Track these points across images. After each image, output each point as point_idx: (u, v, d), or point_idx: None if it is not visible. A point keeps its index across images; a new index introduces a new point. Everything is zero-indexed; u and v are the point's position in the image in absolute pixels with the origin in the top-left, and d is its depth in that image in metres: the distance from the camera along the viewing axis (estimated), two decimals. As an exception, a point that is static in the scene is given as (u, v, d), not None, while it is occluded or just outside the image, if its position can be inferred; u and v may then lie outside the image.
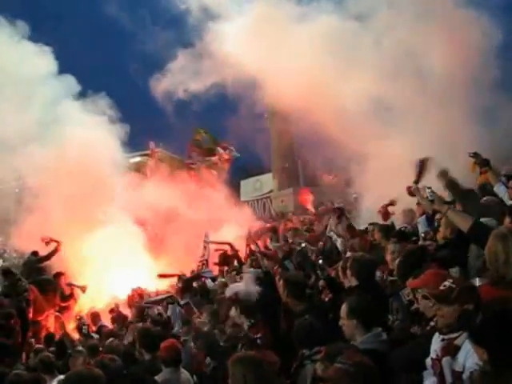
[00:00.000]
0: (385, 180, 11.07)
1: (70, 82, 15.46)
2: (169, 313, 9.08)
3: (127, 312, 11.21)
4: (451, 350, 3.45)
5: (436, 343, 3.64)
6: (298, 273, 7.64)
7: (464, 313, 3.44)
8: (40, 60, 15.04)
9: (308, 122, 13.84)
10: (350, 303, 4.43)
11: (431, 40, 12.26)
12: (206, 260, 13.58)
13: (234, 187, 22.35)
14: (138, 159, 24.60)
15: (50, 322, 11.03)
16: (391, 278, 5.60)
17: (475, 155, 6.58)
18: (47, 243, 12.90)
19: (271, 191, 29.51)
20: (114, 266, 13.90)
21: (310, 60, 13.86)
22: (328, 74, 13.20)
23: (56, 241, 12.90)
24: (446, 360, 3.47)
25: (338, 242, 10.07)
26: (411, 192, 6.05)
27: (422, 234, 7.12)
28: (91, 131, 14.78)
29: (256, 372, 3.48)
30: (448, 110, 11.56)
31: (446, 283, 3.56)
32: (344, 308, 4.42)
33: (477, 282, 4.23)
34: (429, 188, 5.26)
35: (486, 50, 11.71)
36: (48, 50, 15.33)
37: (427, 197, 5.43)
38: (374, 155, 12.12)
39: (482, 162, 6.54)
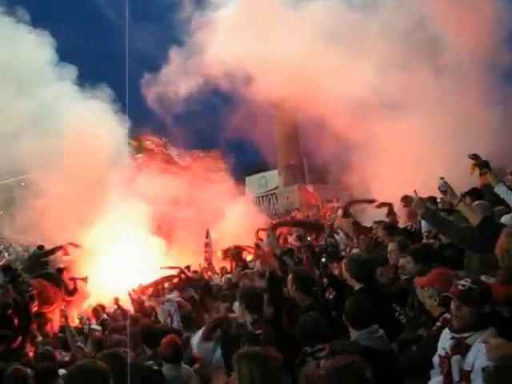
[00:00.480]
0: (395, 171, 10.95)
1: (70, 71, 15.48)
2: (168, 307, 9.06)
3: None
4: (462, 348, 3.41)
5: (445, 340, 3.60)
6: (307, 268, 7.62)
7: (480, 313, 3.42)
8: (39, 47, 15.01)
9: (313, 113, 13.65)
10: (346, 304, 4.45)
11: (445, 21, 12.06)
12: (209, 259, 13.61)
13: (239, 183, 22.35)
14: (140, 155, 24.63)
15: (55, 315, 11.07)
16: (405, 277, 5.57)
17: (475, 157, 6.53)
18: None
19: (276, 188, 29.53)
20: (119, 260, 13.88)
21: (313, 49, 13.68)
22: (334, 62, 13.03)
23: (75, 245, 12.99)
24: (455, 358, 3.44)
25: (340, 238, 10.10)
26: (405, 201, 6.05)
27: (425, 233, 7.10)
28: (93, 119, 14.78)
29: (263, 368, 3.45)
30: (461, 98, 11.35)
31: (466, 283, 3.52)
32: None
33: (482, 279, 4.19)
34: (441, 178, 5.21)
35: (500, 34, 11.54)
36: (47, 36, 15.32)
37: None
38: (383, 146, 11.94)
39: (481, 164, 6.48)
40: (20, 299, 9.88)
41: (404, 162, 11.05)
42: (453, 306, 3.56)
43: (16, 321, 8.88)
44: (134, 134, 19.58)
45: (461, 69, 11.70)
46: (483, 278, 4.16)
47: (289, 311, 5.75)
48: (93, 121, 14.75)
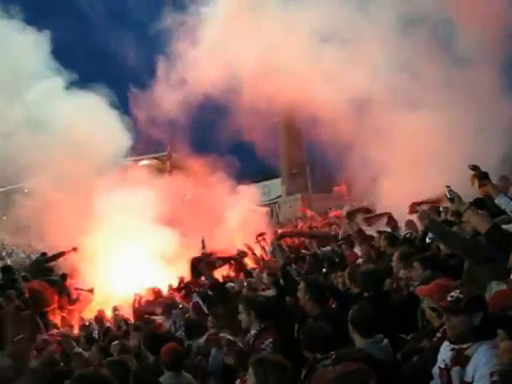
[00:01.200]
0: (405, 170, 10.78)
1: (66, 70, 15.40)
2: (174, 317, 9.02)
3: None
4: (461, 360, 3.40)
5: (445, 352, 3.60)
6: (318, 276, 7.63)
7: (475, 323, 3.40)
8: (33, 46, 14.85)
9: (315, 116, 13.29)
10: (353, 310, 4.46)
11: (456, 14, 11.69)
12: None
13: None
14: (146, 162, 24.69)
15: (56, 319, 11.06)
16: (416, 283, 5.57)
17: (474, 168, 6.52)
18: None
19: (279, 197, 29.52)
20: (123, 266, 13.81)
21: (311, 48, 13.41)
22: (336, 61, 12.73)
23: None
24: (455, 370, 3.43)
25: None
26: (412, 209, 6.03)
27: (430, 239, 7.08)
28: (91, 119, 14.67)
29: (279, 375, 3.54)
30: (475, 95, 11.00)
31: (454, 294, 3.53)
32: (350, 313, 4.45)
33: (493, 285, 4.18)
34: (447, 187, 5.20)
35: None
36: (42, 35, 15.09)
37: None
38: (392, 144, 11.64)
39: (481, 175, 6.48)
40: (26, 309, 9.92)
41: (415, 161, 10.83)
42: (444, 316, 3.59)
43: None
44: None
45: (474, 63, 11.28)
46: (494, 284, 4.16)
47: (300, 321, 5.74)
48: (91, 121, 14.66)
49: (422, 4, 12.27)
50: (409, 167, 11.05)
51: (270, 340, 5.47)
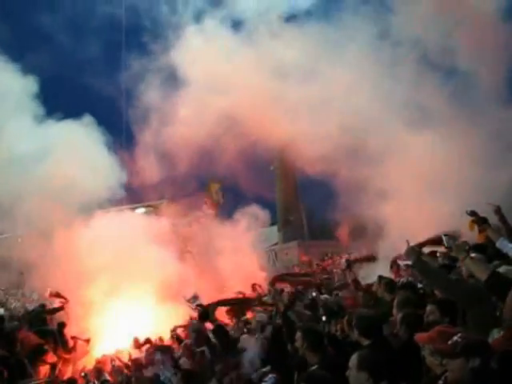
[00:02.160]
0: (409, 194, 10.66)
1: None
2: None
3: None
4: None
5: (447, 399, 3.57)
6: (315, 323, 7.56)
7: (473, 368, 3.38)
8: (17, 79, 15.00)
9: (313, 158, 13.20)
10: (362, 355, 4.36)
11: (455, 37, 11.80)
12: None
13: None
14: (142, 210, 24.69)
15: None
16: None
17: (473, 213, 6.54)
18: (53, 297, 12.84)
19: (276, 244, 29.48)
20: (119, 316, 13.64)
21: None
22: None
23: (63, 297, 12.83)
24: None
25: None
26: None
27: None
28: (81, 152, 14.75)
29: None
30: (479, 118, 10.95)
31: (455, 338, 3.54)
32: (354, 359, 4.32)
33: (495, 333, 4.16)
34: (445, 235, 5.21)
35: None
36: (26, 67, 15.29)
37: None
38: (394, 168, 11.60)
39: (480, 220, 6.49)
40: (12, 357, 9.73)
41: (419, 188, 10.75)
42: (444, 360, 3.59)
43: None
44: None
45: (476, 87, 11.39)
46: (495, 332, 4.15)
47: (299, 369, 5.68)
48: (82, 162, 14.79)
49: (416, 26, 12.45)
50: (412, 194, 10.99)
51: (274, 375, 5.41)
